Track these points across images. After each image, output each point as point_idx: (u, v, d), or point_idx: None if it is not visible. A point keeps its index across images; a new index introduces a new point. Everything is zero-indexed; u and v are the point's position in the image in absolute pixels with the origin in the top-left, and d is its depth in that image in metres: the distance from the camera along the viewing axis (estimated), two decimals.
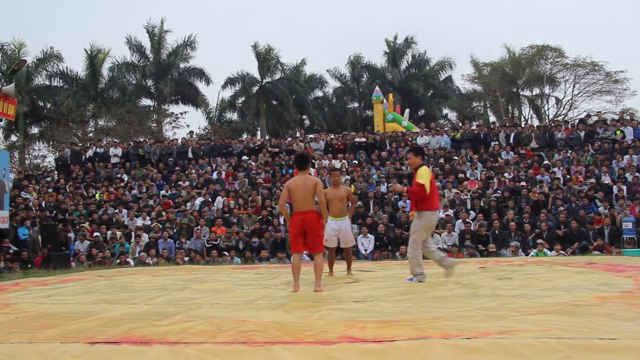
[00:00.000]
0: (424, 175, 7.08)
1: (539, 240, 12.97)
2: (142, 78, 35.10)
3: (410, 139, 19.87)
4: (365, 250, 13.98)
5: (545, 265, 8.94)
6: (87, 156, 20.53)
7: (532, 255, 12.51)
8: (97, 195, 17.89)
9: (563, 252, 12.65)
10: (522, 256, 12.46)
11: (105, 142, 22.65)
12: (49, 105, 34.04)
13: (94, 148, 20.90)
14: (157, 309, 5.47)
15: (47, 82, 33.57)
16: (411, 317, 4.56)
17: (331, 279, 7.89)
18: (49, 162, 31.79)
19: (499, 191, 15.79)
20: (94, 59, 33.64)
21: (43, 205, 17.05)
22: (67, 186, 18.59)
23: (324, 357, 3.40)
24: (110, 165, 19.84)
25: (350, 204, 8.32)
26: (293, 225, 6.69)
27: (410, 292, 6.15)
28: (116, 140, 23.64)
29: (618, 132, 18.07)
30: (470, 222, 14.39)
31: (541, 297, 5.45)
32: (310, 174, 7.11)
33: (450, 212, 14.93)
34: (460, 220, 14.50)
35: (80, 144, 23.43)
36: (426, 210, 7.16)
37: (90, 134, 32.01)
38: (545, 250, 12.68)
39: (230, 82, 36.64)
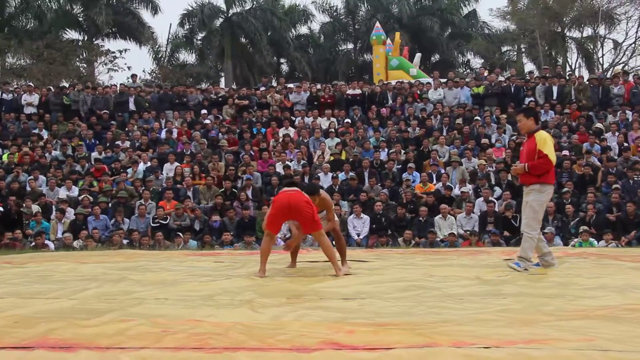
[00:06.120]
0: (547, 143, 7.53)
1: (584, 227, 13.10)
2: (67, 2, 34.53)
3: (419, 92, 19.85)
4: (358, 235, 14.04)
5: (591, 259, 9.05)
6: None
7: (573, 246, 12.66)
8: (5, 157, 17.73)
9: (615, 242, 12.81)
10: (560, 246, 12.60)
11: (16, 86, 22.33)
12: None
13: (1, 93, 20.61)
14: (84, 305, 5.49)
15: None
16: (414, 319, 4.62)
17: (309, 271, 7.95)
18: None
19: None
20: None
21: None
22: None
23: None
24: (24, 116, 19.61)
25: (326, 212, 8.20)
26: (277, 201, 7.32)
27: (415, 289, 6.21)
28: (31, 84, 23.28)
29: None
30: (494, 201, 14.46)
31: (584, 299, 5.53)
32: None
33: (469, 187, 15.01)
34: (482, 199, 14.58)
35: None
36: (549, 184, 7.67)
37: None
38: (591, 239, 12.83)
39: (186, 16, 36.21)
